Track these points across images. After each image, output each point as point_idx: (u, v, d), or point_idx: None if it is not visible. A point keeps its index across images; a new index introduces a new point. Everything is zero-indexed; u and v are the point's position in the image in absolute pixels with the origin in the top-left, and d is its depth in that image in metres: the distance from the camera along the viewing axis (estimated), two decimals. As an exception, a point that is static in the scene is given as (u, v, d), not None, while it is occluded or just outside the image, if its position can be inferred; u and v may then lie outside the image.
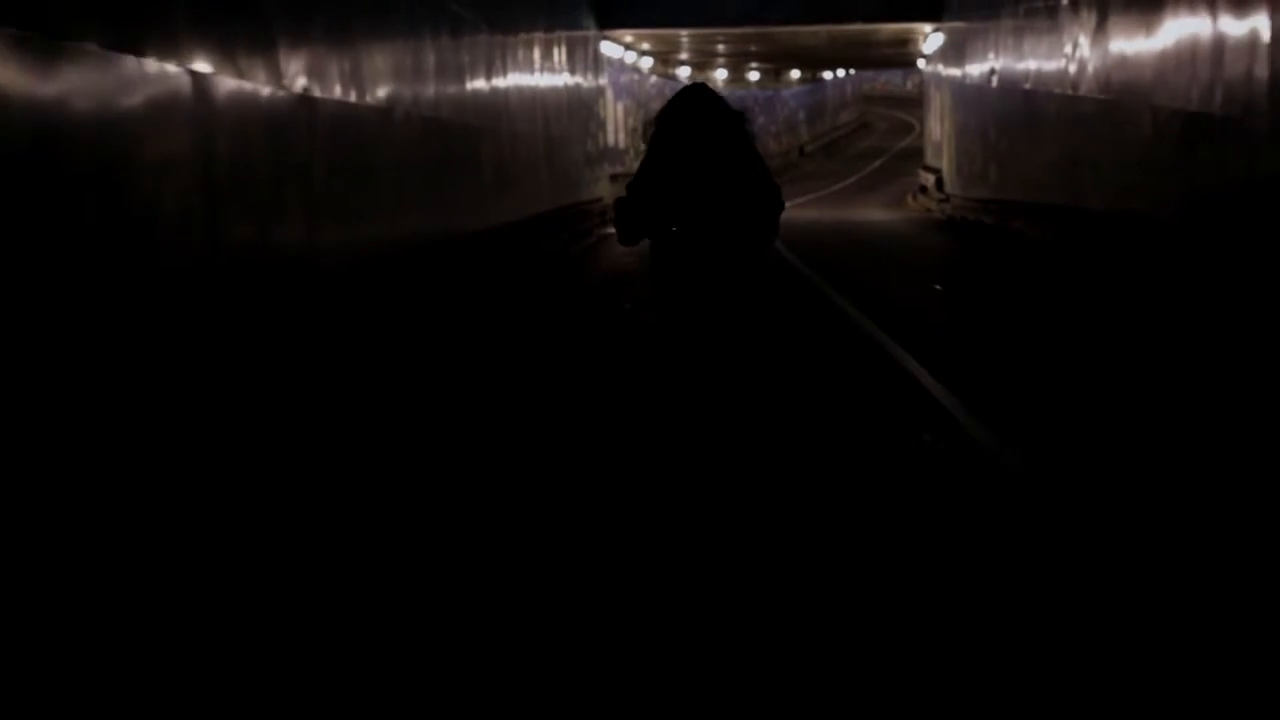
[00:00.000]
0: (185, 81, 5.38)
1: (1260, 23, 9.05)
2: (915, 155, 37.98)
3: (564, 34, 19.90)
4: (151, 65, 5.05)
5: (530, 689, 3.94)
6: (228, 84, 5.89)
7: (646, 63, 30.75)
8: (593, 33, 23.59)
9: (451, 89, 11.57)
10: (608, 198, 23.56)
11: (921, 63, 31.22)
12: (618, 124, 27.34)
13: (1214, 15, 9.85)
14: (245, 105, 6.17)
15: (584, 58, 22.34)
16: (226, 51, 5.92)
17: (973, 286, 13.79)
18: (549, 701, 3.86)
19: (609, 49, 25.45)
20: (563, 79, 19.63)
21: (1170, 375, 8.48)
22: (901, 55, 34.99)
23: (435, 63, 10.79)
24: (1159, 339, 9.57)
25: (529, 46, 16.37)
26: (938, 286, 13.71)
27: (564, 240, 18.50)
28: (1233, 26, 9.52)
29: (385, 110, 9.01)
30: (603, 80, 25.01)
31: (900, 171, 39.00)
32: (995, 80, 18.88)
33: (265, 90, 6.47)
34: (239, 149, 6.08)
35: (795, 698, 3.85)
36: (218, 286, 5.66)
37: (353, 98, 8.16)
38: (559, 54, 19.29)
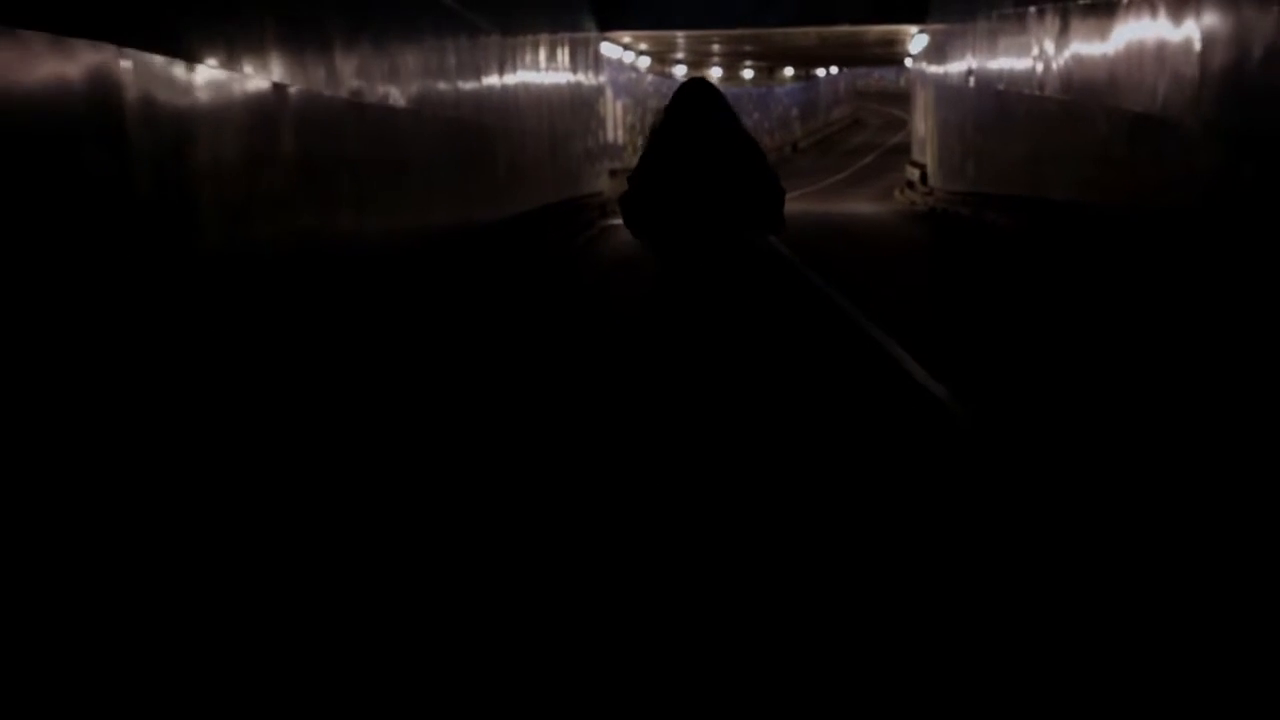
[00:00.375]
0: (269, 90, 6.52)
1: (1193, 33, 10.20)
2: (906, 151, 39.05)
3: (567, 36, 21.03)
4: (250, 79, 6.19)
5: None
6: (299, 91, 7.04)
7: (644, 62, 31.88)
8: (593, 34, 24.71)
9: (470, 91, 12.71)
10: (607, 191, 24.74)
11: (909, 61, 32.34)
12: (616, 121, 28.48)
13: (1155, 25, 10.99)
14: (314, 109, 7.32)
15: (585, 58, 23.48)
16: (299, 64, 7.07)
17: (941, 270, 14.97)
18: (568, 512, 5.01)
19: (608, 49, 26.58)
20: (566, 79, 20.77)
21: (1111, 342, 9.63)
22: (890, 54, 36.10)
23: (456, 68, 11.92)
24: (1106, 314, 10.72)
25: (536, 49, 17.50)
26: (909, 268, 14.88)
27: (568, 230, 19.64)
28: (1171, 35, 10.66)
29: (416, 112, 10.15)
30: (602, 78, 26.14)
31: (891, 167, 40.11)
32: (972, 80, 20.03)
33: (326, 94, 7.63)
34: (308, 146, 7.23)
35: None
36: (292, 260, 6.81)
37: (390, 101, 9.31)
38: (563, 55, 20.43)
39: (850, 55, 42.44)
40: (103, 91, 4.53)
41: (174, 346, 5.03)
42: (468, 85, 12.57)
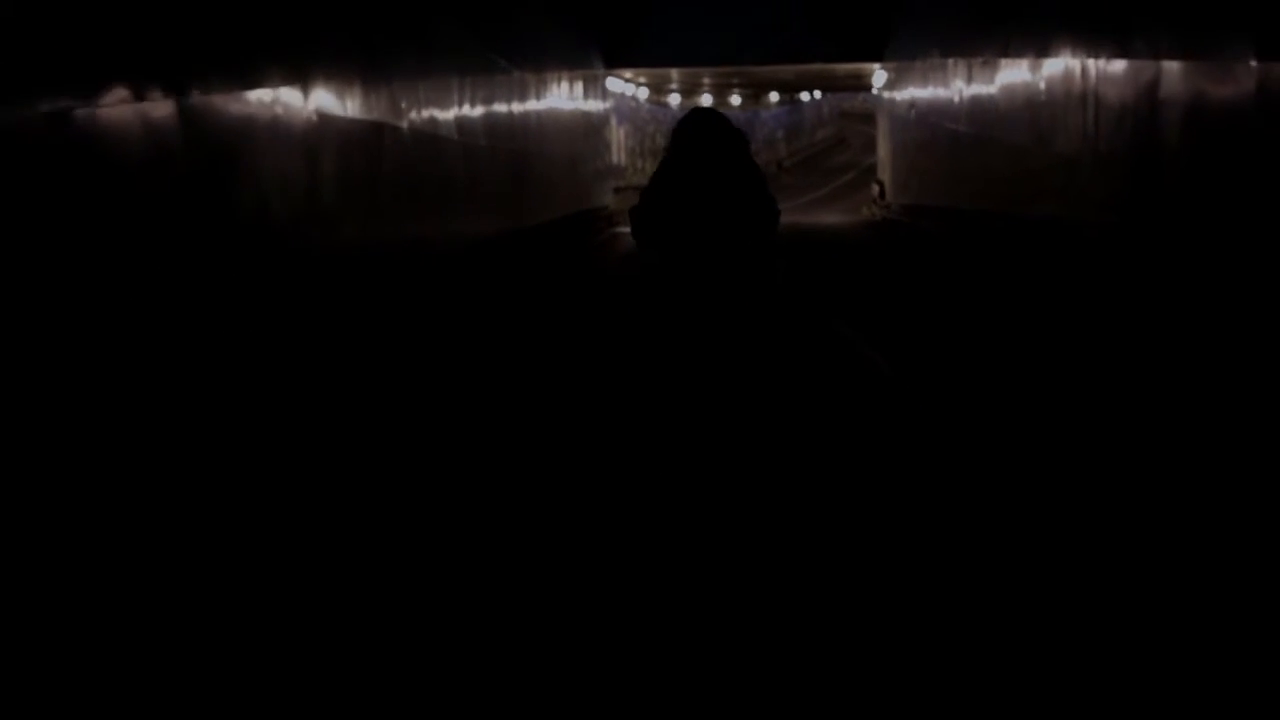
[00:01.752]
0: (429, 136, 10.56)
1: (1040, 84, 14.24)
2: (877, 170, 43.15)
3: (582, 74, 25.12)
4: (423, 131, 10.24)
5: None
6: (439, 135, 11.10)
7: (643, 93, 36.03)
8: (601, 71, 28.82)
9: (518, 126, 16.76)
10: (613, 206, 28.87)
11: (875, 91, 36.47)
12: (619, 145, 32.62)
13: (1020, 77, 15.06)
14: (447, 148, 11.38)
15: (595, 93, 27.58)
16: (436, 114, 11.13)
17: (875, 261, 19.11)
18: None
19: (613, 84, 30.70)
20: (581, 112, 24.87)
21: (992, 304, 13.70)
22: (860, 84, 40.25)
23: (508, 109, 15.97)
24: (991, 283, 14.79)
25: (559, 88, 21.58)
26: (852, 260, 19.01)
27: (585, 234, 23.76)
28: (1029, 85, 14.71)
29: (490, 146, 14.20)
30: (608, 106, 30.28)
31: (866, 184, 44.13)
32: (913, 112, 24.17)
33: (452, 138, 11.68)
34: (444, 174, 11.27)
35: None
36: (433, 249, 10.85)
37: (478, 141, 13.35)
38: (578, 91, 24.52)
39: (825, 85, 46.64)
40: (380, 138, 8.61)
41: (382, 303, 9.09)
42: (516, 122, 16.62)
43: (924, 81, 22.71)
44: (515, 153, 16.18)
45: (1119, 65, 11.10)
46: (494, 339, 11.72)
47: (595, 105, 27.49)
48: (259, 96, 5.95)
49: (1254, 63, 7.32)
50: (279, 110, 6.25)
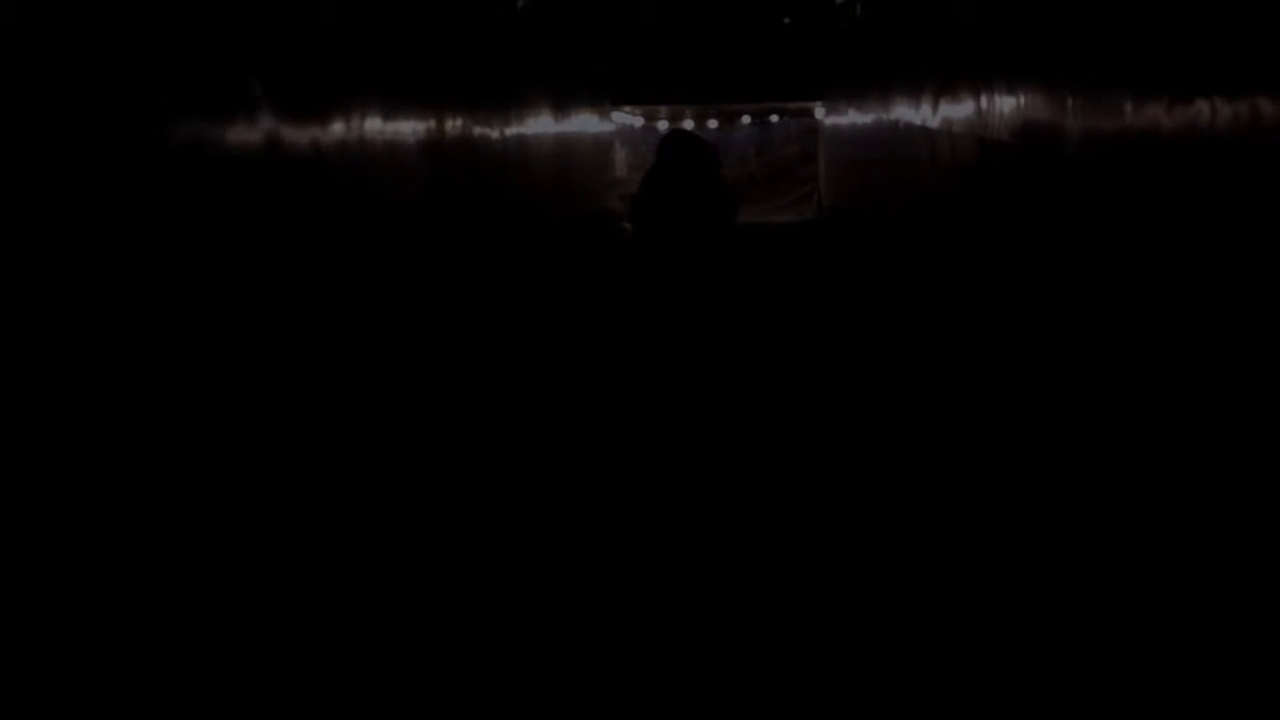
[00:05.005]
0: (529, 156, 18.92)
1: (887, 124, 22.65)
2: (827, 182, 51.35)
3: (596, 109, 33.64)
4: (531, 154, 18.63)
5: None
6: (537, 158, 19.49)
7: (639, 121, 44.74)
8: (609, 107, 37.40)
9: (565, 149, 25.20)
10: (617, 208, 37.39)
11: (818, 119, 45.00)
12: (621, 161, 41.24)
13: (880, 125, 23.55)
14: (538, 160, 19.75)
15: (605, 121, 36.14)
16: (520, 140, 19.53)
17: (793, 240, 27.63)
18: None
19: (617, 116, 39.30)
20: (595, 136, 33.40)
21: (869, 268, 22.12)
22: (810, 113, 48.85)
23: (562, 139, 24.40)
24: (876, 260, 23.21)
25: (582, 118, 30.06)
26: (780, 243, 27.49)
27: (600, 227, 32.24)
28: (882, 122, 23.16)
29: (555, 164, 22.57)
30: (613, 131, 38.83)
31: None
32: (835, 142, 32.74)
33: (542, 157, 20.06)
34: (537, 179, 19.63)
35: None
36: (528, 226, 19.21)
37: (546, 155, 21.71)
38: (594, 121, 33.04)
39: (783, 113, 55.15)
40: (509, 157, 17.05)
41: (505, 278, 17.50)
42: (564, 146, 25.07)
43: (838, 117, 31.32)
44: (565, 167, 24.69)
45: (918, 125, 19.59)
46: (563, 276, 20.25)
47: (605, 133, 36.01)
48: (473, 138, 14.27)
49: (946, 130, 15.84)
50: (467, 139, 14.59)
